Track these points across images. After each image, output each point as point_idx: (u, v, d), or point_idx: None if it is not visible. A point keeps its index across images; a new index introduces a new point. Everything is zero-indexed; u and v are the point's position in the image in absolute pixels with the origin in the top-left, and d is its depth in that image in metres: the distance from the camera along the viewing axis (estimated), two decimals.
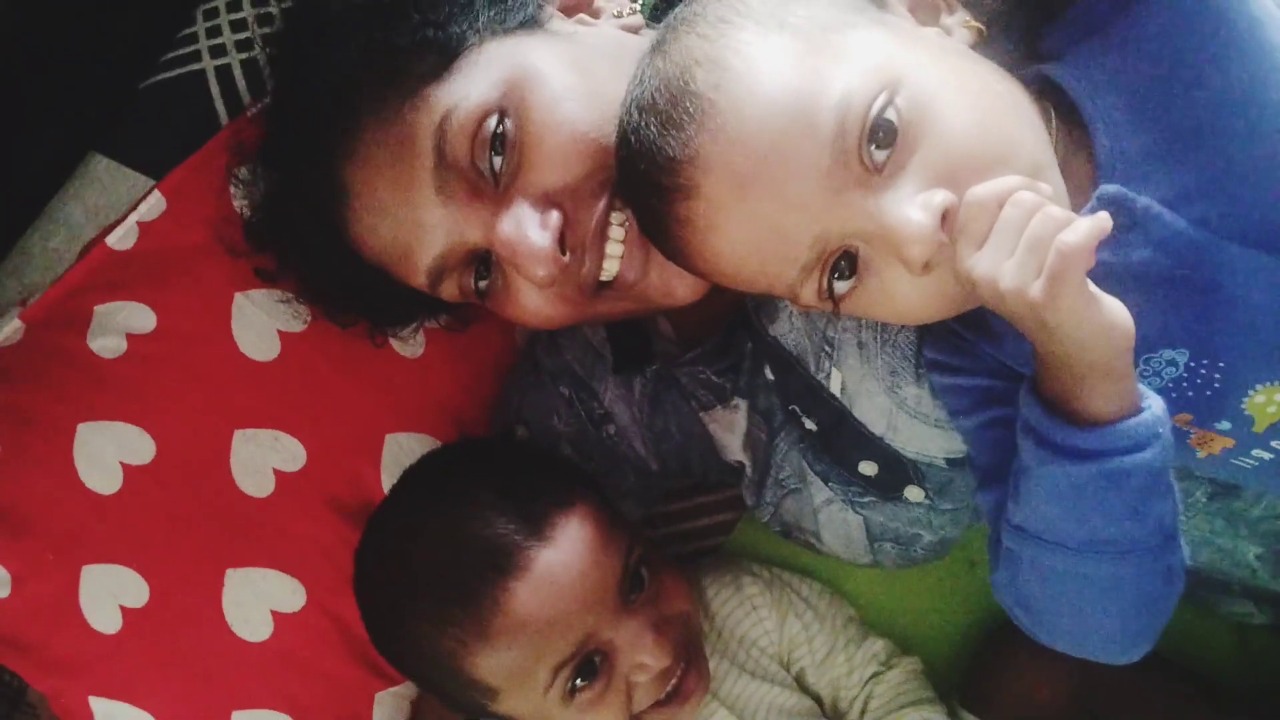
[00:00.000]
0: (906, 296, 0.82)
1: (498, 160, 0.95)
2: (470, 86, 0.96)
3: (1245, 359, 0.83)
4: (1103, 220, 0.73)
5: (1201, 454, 0.90)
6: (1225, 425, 0.87)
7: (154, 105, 1.21)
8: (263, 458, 1.17)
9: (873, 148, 0.76)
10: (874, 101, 0.76)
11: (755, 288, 0.87)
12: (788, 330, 1.08)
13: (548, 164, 0.96)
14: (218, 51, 1.22)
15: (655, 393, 1.20)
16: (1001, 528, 0.90)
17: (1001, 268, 0.74)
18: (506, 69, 0.96)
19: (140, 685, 1.16)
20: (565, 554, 1.02)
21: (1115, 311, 0.76)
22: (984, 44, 0.86)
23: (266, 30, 1.16)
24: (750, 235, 0.81)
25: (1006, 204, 0.74)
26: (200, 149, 1.17)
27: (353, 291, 1.09)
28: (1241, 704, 1.25)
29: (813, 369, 1.08)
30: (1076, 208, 0.81)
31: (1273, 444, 0.87)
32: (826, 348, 1.06)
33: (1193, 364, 0.84)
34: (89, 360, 1.15)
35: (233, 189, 1.13)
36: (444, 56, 0.96)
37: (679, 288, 1.02)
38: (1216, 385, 0.85)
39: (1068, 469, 0.81)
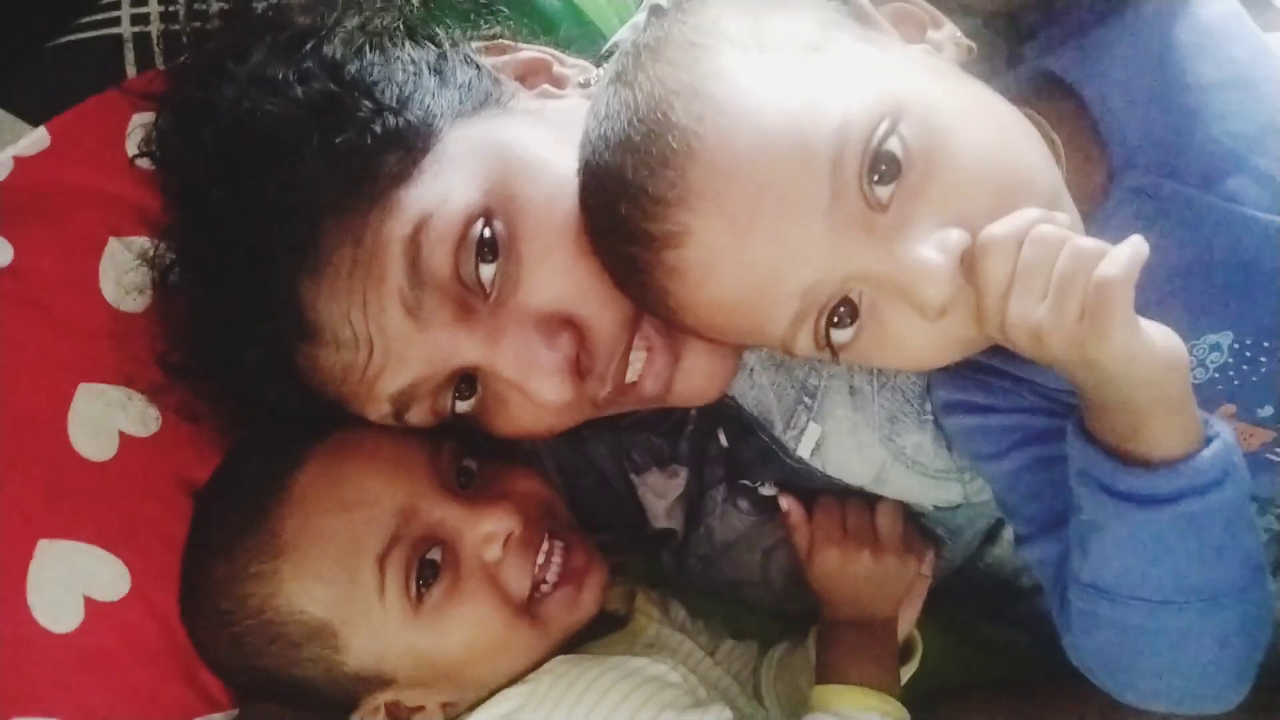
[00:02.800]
0: (916, 343, 0.74)
1: (487, 270, 0.83)
2: (447, 186, 0.83)
3: None
4: (1139, 246, 0.67)
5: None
6: (1268, 411, 0.80)
7: (61, 63, 1.12)
8: (109, 417, 1.00)
9: (875, 182, 0.69)
10: (875, 130, 0.69)
11: (747, 340, 0.80)
12: (748, 388, 0.99)
13: (551, 275, 0.84)
14: (140, 19, 1.13)
15: (576, 435, 1.07)
16: (1070, 587, 0.82)
17: (1036, 311, 0.68)
18: (484, 160, 0.84)
19: None
20: (345, 442, 0.93)
21: (1165, 336, 0.70)
22: (972, 60, 0.81)
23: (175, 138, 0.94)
24: (744, 284, 0.73)
25: (1027, 241, 0.68)
26: (99, 94, 1.07)
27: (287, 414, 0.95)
28: None
29: (779, 429, 0.98)
30: (1095, 204, 0.78)
31: None
32: (805, 400, 0.96)
33: (1237, 345, 0.77)
34: None
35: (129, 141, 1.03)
36: (409, 151, 0.83)
37: (706, 389, 0.92)
38: (1262, 368, 0.78)
39: (1141, 518, 0.74)
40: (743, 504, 1.05)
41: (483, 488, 0.95)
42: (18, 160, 1.05)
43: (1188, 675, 0.80)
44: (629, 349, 0.88)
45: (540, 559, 0.93)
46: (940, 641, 1.15)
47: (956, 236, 0.69)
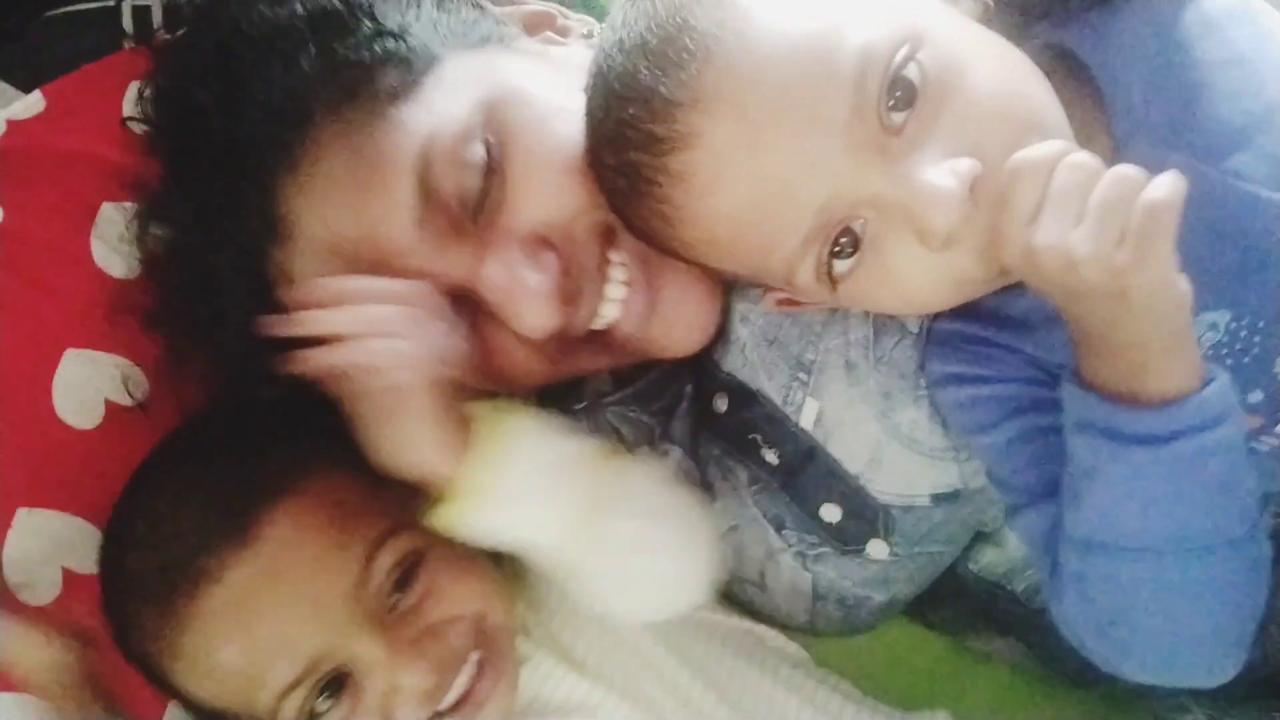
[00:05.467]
0: (916, 277, 0.74)
1: (478, 189, 0.85)
2: (448, 107, 0.85)
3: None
4: (1179, 177, 0.67)
5: None
6: (1258, 396, 0.79)
7: (58, 33, 1.10)
8: (96, 384, 0.98)
9: (891, 107, 0.69)
10: (895, 54, 0.70)
11: (747, 264, 0.78)
12: (740, 365, 0.97)
13: (536, 195, 0.85)
14: None
15: (565, 411, 1.05)
16: (1062, 548, 0.80)
17: (1070, 236, 0.67)
18: (483, 87, 0.87)
19: None
20: (269, 561, 0.85)
21: (1181, 275, 0.69)
22: (988, 18, 0.80)
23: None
24: (755, 194, 0.72)
25: (1061, 167, 0.68)
26: (97, 61, 1.06)
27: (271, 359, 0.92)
28: None
29: (779, 402, 0.96)
30: None
31: None
32: (800, 375, 0.94)
33: (1234, 325, 0.78)
34: None
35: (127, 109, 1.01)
36: (410, 72, 0.86)
37: (684, 338, 0.92)
38: (1256, 348, 0.78)
39: (1142, 457, 0.73)
40: (741, 474, 1.01)
41: (415, 606, 0.89)
42: (10, 123, 1.03)
43: (1182, 636, 0.79)
44: (604, 267, 0.88)
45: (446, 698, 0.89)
46: (934, 648, 1.13)
47: (968, 164, 0.69)
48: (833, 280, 0.75)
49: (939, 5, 0.77)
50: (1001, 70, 0.74)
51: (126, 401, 0.99)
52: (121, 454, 0.96)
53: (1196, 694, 0.99)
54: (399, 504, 0.86)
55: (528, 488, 0.83)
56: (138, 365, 0.98)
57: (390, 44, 0.86)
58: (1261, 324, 0.78)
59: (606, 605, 0.91)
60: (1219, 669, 0.81)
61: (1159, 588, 0.76)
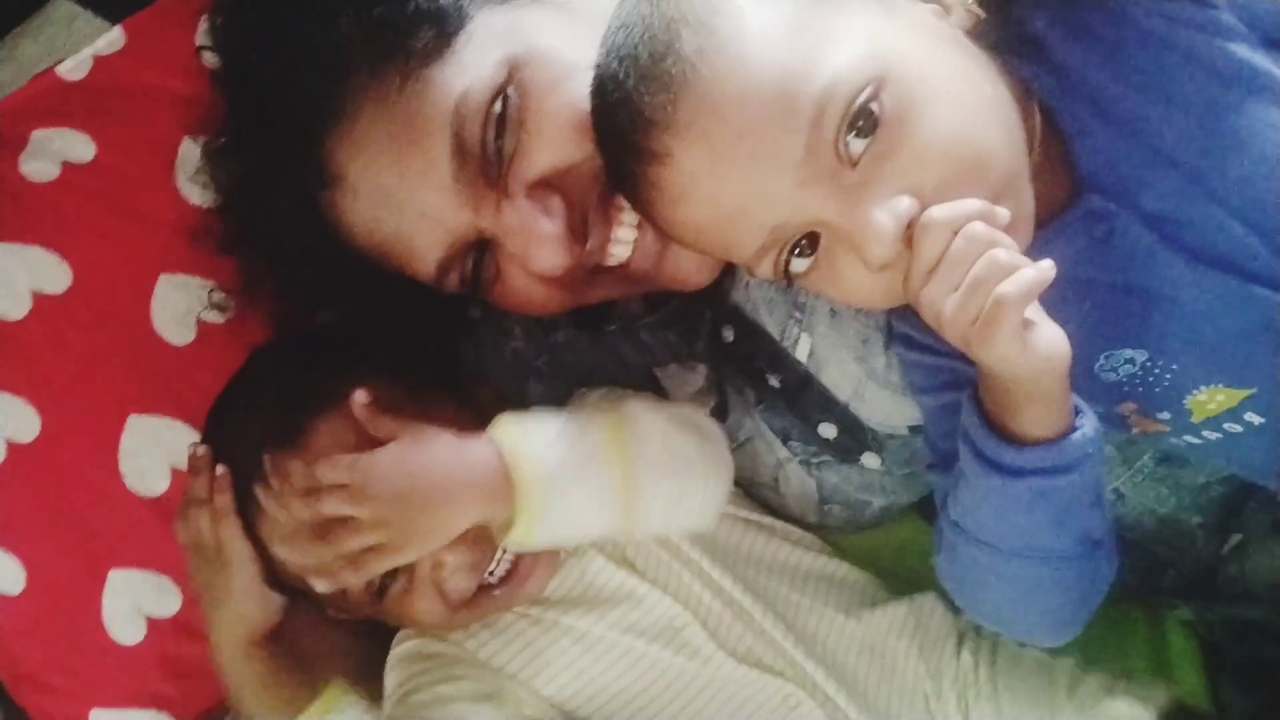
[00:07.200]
0: (858, 287, 0.82)
1: (500, 142, 0.92)
2: (479, 65, 0.91)
3: (1195, 363, 0.85)
4: (1045, 271, 0.73)
5: (1135, 432, 0.92)
6: (1165, 415, 0.88)
7: None
8: (188, 305, 1.11)
9: (851, 137, 0.75)
10: (859, 94, 0.74)
11: (715, 256, 0.88)
12: (745, 299, 1.07)
13: (547, 145, 0.92)
14: None
15: (600, 334, 1.17)
16: (943, 518, 0.91)
17: (945, 300, 0.75)
18: (508, 45, 0.92)
19: (14, 527, 1.09)
20: (317, 455, 0.94)
21: (1052, 342, 0.76)
22: (978, 30, 0.83)
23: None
24: (715, 213, 0.80)
25: (959, 234, 0.73)
26: None
27: (331, 286, 1.03)
28: None
29: (778, 336, 1.06)
30: (1055, 212, 0.83)
31: (1203, 433, 0.89)
32: (796, 314, 1.04)
33: (1149, 363, 0.86)
34: (15, 181, 1.11)
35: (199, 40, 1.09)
36: (443, 32, 0.91)
37: (693, 275, 0.99)
38: (1166, 383, 0.86)
39: (997, 483, 0.82)
40: (749, 394, 1.12)
41: None
42: (97, 59, 1.13)
43: (1023, 613, 0.91)
44: (609, 208, 0.95)
45: (492, 564, 1.01)
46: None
47: (906, 205, 0.75)
48: (789, 277, 0.83)
49: (923, 25, 0.80)
50: (962, 110, 0.76)
51: (216, 320, 1.11)
52: (214, 367, 1.09)
53: (1189, 596, 1.11)
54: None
55: (572, 503, 0.94)
56: (224, 288, 1.10)
57: (424, 4, 0.92)
58: (1175, 366, 0.86)
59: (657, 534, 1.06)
60: (1049, 640, 0.96)
61: (1002, 577, 0.88)
